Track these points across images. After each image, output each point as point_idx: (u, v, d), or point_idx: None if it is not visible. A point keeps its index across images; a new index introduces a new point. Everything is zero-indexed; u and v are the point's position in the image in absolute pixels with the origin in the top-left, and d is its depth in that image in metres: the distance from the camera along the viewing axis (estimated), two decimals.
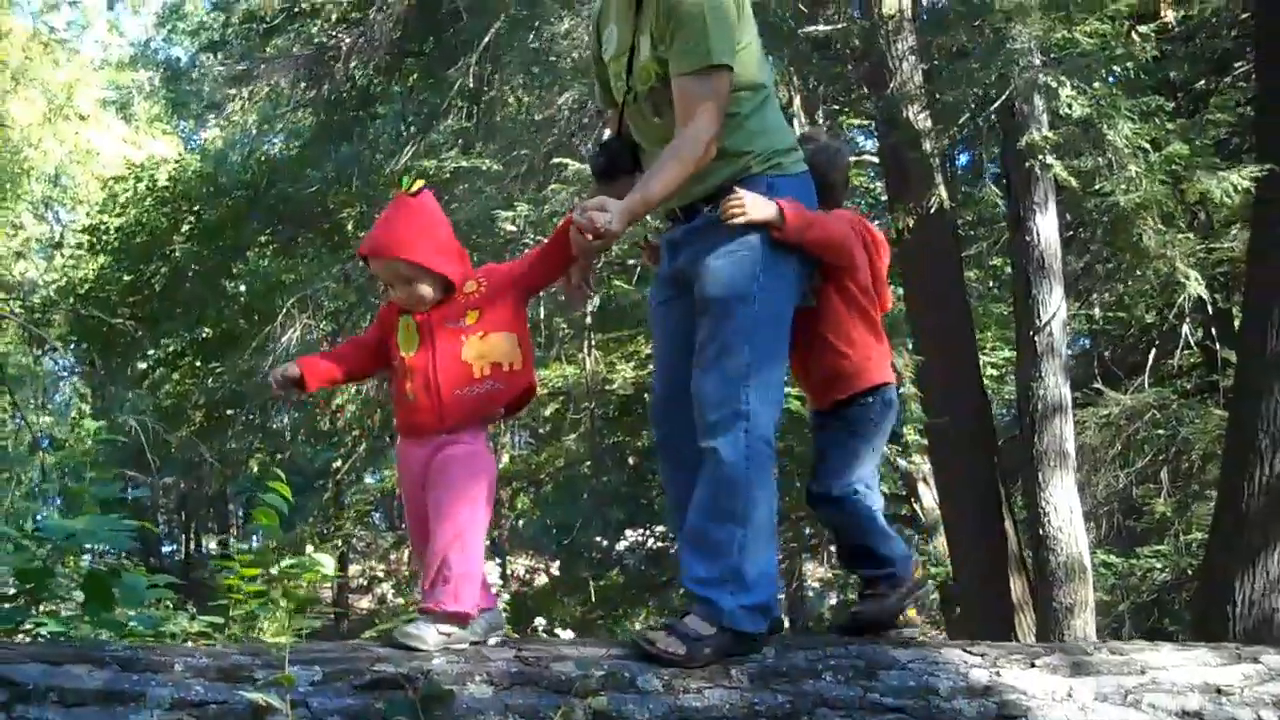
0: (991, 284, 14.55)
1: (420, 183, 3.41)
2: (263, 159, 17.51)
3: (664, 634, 3.28)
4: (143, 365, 18.60)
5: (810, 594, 20.10)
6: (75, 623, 4.32)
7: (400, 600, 18.47)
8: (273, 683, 2.78)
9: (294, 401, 16.02)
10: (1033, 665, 3.63)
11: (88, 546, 6.23)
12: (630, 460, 14.26)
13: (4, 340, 13.07)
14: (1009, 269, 11.17)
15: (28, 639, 4.09)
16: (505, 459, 18.01)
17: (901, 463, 12.04)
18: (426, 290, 3.31)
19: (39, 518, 5.12)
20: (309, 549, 5.18)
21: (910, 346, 10.07)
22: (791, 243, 3.45)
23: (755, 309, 3.42)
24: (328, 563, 5.53)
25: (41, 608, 4.43)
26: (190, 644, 4.11)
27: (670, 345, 3.74)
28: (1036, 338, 9.29)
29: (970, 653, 3.65)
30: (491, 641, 3.32)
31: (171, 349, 17.62)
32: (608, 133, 3.88)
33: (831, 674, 3.39)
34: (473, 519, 3.25)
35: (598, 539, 14.47)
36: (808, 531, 14.93)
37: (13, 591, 4.51)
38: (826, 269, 3.68)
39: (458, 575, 3.17)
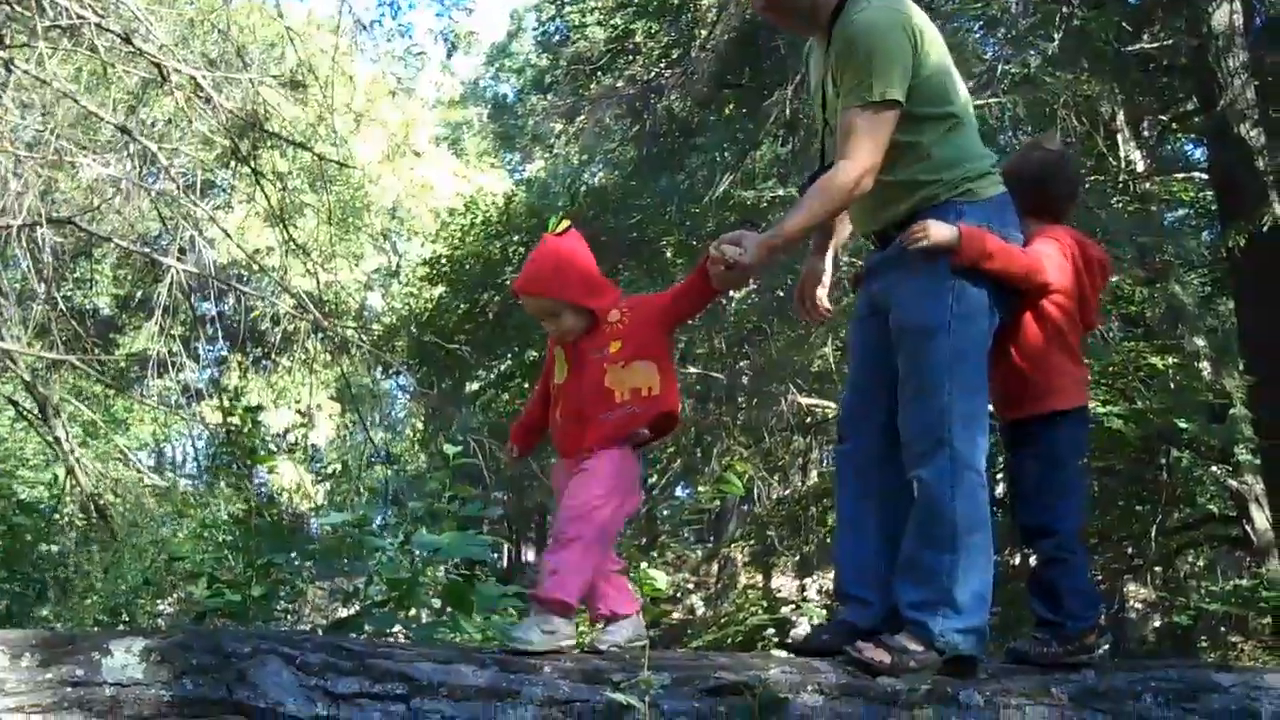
0: None
1: (566, 223, 3.58)
2: (584, 190, 18.23)
3: (872, 645, 3.35)
4: (474, 386, 19.64)
5: (1133, 615, 19.46)
6: (437, 628, 4.77)
7: (709, 612, 18.78)
8: (635, 684, 3.02)
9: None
10: None
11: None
12: None
13: (349, 364, 14.14)
14: None
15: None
16: (815, 476, 18.20)
17: (1232, 483, 11.64)
18: (571, 322, 3.49)
19: (376, 523, 5.52)
20: (642, 564, 5.49)
21: (1241, 366, 9.80)
22: (972, 266, 3.44)
23: (951, 340, 3.45)
24: (660, 578, 5.85)
25: (408, 613, 4.91)
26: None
27: (863, 362, 3.79)
28: None
29: None
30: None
31: (501, 371, 18.52)
32: None
33: (1152, 696, 3.44)
34: (592, 525, 3.37)
35: None
36: (1129, 551, 14.56)
37: (381, 598, 4.98)
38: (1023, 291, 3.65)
39: (566, 569, 3.33)
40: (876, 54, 3.41)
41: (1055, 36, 9.24)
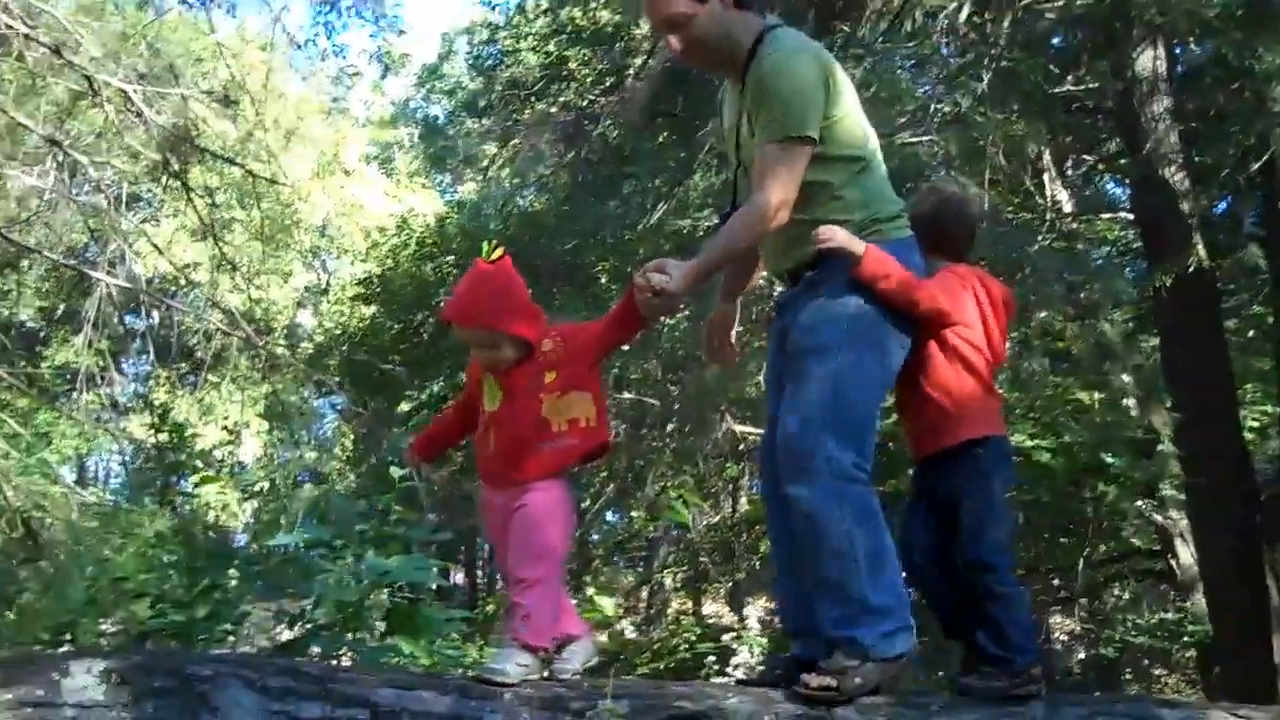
0: (1251, 334, 14.12)
1: (500, 250, 3.53)
2: (516, 214, 18.25)
3: (814, 675, 3.34)
4: (406, 406, 19.54)
5: (1058, 647, 19.75)
6: (383, 652, 4.78)
7: (640, 637, 18.79)
8: (598, 714, 3.10)
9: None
10: None
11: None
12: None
13: (280, 381, 14.06)
14: (1270, 320, 11.01)
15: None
16: (745, 503, 18.33)
17: (1157, 518, 11.89)
18: (507, 352, 3.47)
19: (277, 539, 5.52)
20: (589, 591, 5.54)
21: (1168, 404, 10.03)
22: (870, 287, 3.48)
23: (838, 361, 3.47)
24: (608, 604, 5.86)
25: (354, 636, 4.91)
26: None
27: (777, 401, 3.76)
28: None
29: (1236, 715, 3.62)
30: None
31: (434, 392, 18.42)
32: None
33: None
34: (552, 563, 3.43)
35: None
36: (1055, 583, 14.79)
37: (327, 621, 4.97)
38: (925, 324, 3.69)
39: (539, 612, 3.36)
40: (791, 92, 3.47)
41: (984, 77, 9.42)
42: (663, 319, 14.49)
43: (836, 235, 3.48)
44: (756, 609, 17.86)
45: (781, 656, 3.84)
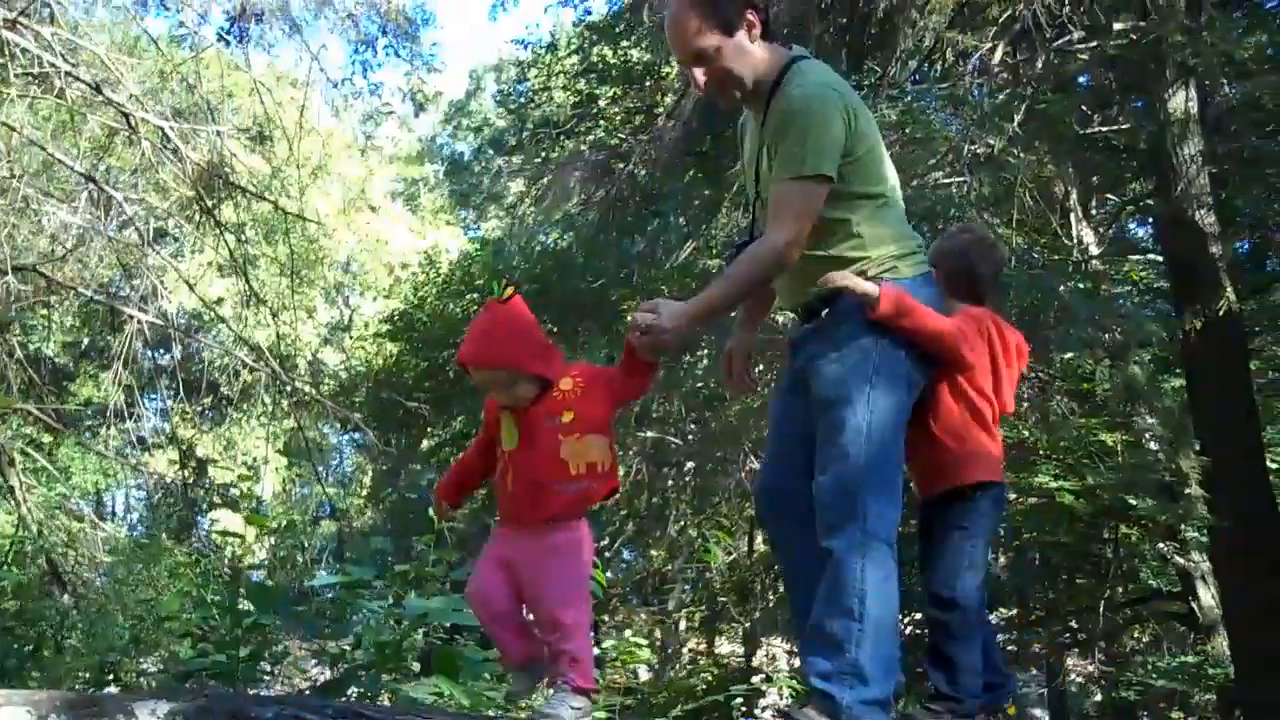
0: (1270, 375, 14.09)
1: (510, 289, 3.47)
2: (540, 251, 18.31)
3: None
4: (429, 443, 19.56)
5: (1074, 689, 19.61)
6: (423, 691, 4.78)
7: (655, 678, 18.74)
8: None
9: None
10: None
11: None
12: None
13: (305, 418, 14.09)
14: None
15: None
16: (761, 543, 18.29)
17: (1179, 560, 11.84)
18: (525, 390, 3.39)
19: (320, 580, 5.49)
20: (627, 633, 5.54)
21: (1197, 448, 10.01)
22: (888, 326, 3.45)
23: (869, 411, 3.44)
24: (644, 650, 5.85)
25: (392, 676, 4.91)
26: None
27: (781, 440, 3.78)
28: None
29: None
30: None
31: (457, 429, 18.45)
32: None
33: None
34: (587, 603, 3.41)
35: None
36: (1074, 625, 14.72)
37: (368, 661, 4.98)
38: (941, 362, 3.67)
39: (583, 655, 3.32)
40: (812, 128, 3.43)
41: (1015, 118, 9.46)
42: (686, 357, 14.60)
43: (848, 277, 3.47)
44: (771, 647, 17.82)
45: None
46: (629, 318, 3.45)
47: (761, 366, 11.61)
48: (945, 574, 3.71)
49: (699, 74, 3.59)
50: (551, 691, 3.37)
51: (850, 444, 3.43)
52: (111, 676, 5.05)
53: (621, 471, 3.24)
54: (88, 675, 5.21)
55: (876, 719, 3.37)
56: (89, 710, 2.75)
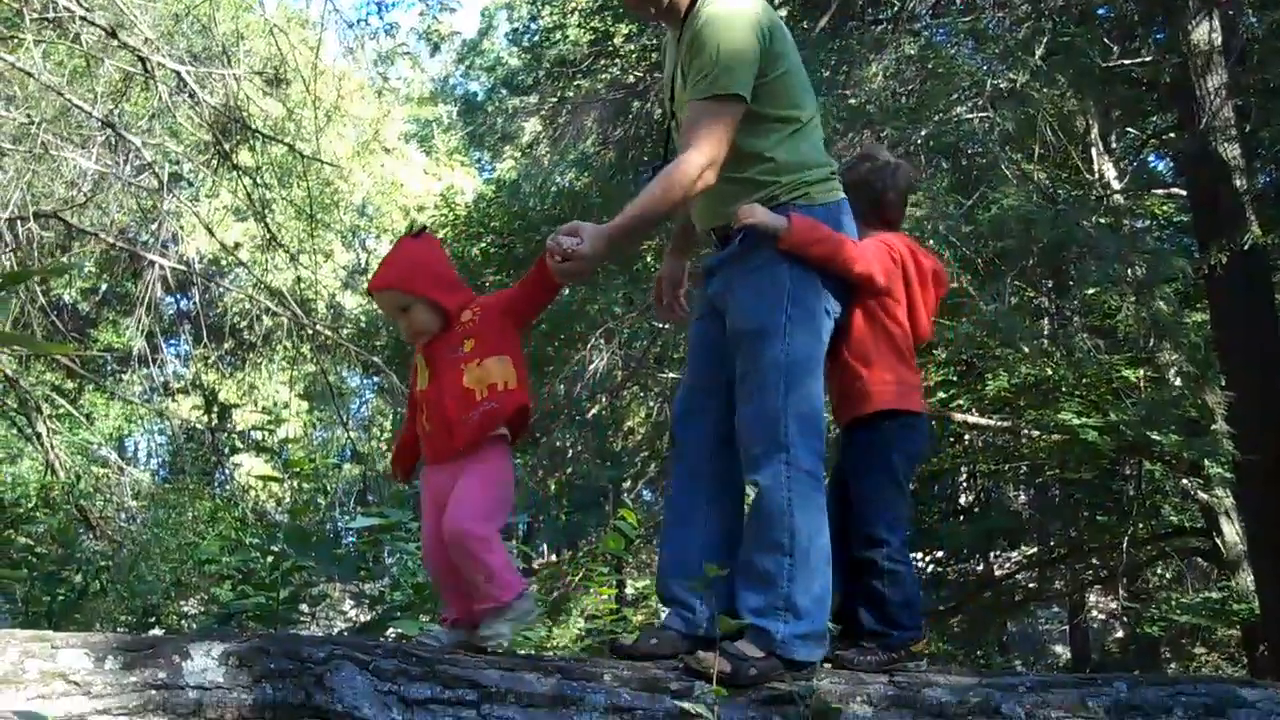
0: None
1: (422, 226, 3.63)
2: (556, 190, 18.23)
3: (712, 655, 3.28)
4: None
5: (1096, 626, 19.74)
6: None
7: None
8: (700, 694, 3.14)
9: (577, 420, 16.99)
10: None
11: None
12: (911, 484, 14.37)
13: (328, 362, 14.10)
14: None
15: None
16: None
17: (1202, 496, 11.85)
18: (423, 319, 3.48)
19: (358, 522, 5.55)
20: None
21: (1221, 383, 9.99)
22: (800, 255, 3.45)
23: (786, 343, 3.43)
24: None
25: (431, 618, 4.95)
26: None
27: (700, 360, 3.76)
28: None
29: None
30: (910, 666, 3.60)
31: None
32: None
33: (1183, 710, 3.50)
34: (493, 518, 3.37)
35: None
36: (1096, 562, 14.77)
37: (404, 602, 5.03)
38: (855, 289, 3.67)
39: (498, 566, 3.32)
40: (725, 48, 3.39)
41: (1036, 51, 9.38)
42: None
43: (755, 214, 3.45)
44: None
45: (656, 629, 3.71)
46: (549, 240, 3.37)
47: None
48: (865, 508, 3.71)
49: None
50: (484, 617, 3.35)
51: (769, 376, 3.43)
52: (153, 619, 5.11)
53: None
54: (130, 619, 5.27)
55: (810, 651, 3.40)
56: (146, 652, 2.79)
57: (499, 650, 3.35)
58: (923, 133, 9.47)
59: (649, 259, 15.17)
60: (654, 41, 14.58)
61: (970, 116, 9.52)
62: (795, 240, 3.44)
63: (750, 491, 3.48)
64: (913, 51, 10.16)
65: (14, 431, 10.99)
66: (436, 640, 3.28)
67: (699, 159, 3.36)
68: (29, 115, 11.03)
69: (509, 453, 3.51)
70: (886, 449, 3.72)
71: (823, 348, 3.56)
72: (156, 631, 5.22)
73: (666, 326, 11.46)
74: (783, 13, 12.59)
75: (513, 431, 3.52)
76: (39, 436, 10.48)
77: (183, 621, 5.41)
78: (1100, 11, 11.02)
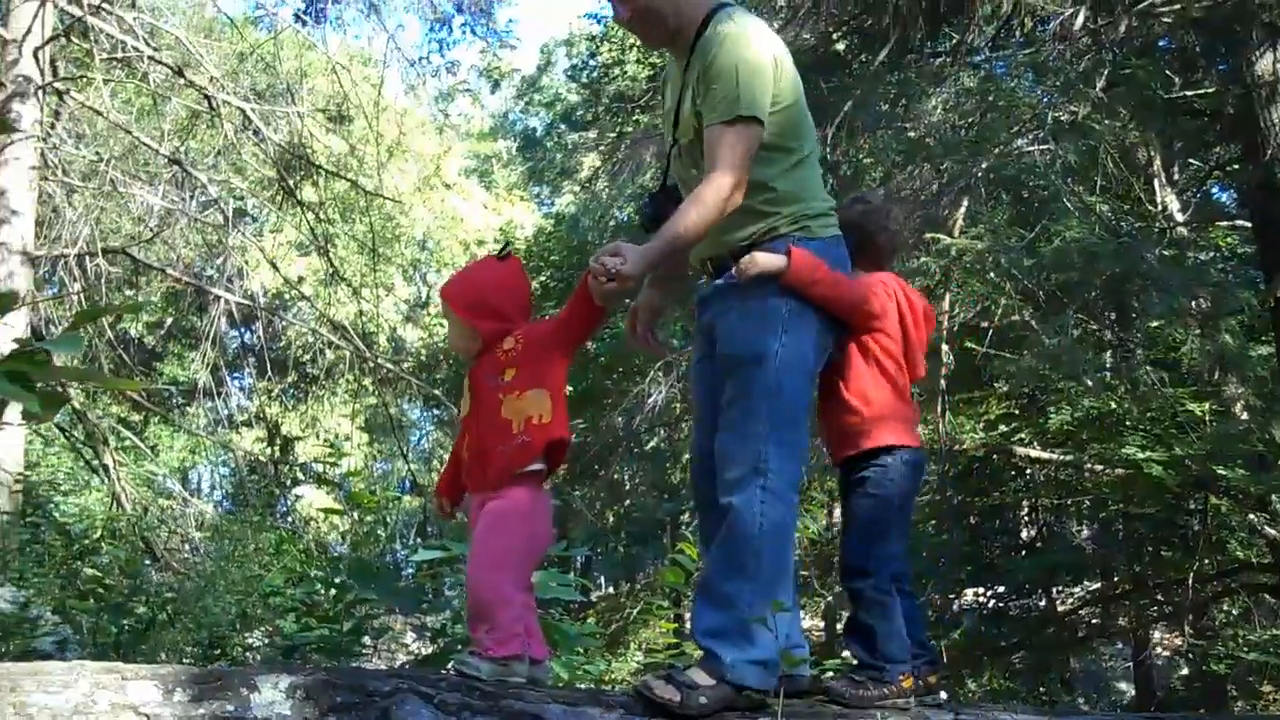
0: None
1: (508, 251, 3.61)
2: (614, 224, 18.31)
3: (663, 682, 3.23)
4: None
5: (1160, 663, 19.41)
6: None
7: None
8: None
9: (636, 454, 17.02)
10: None
11: None
12: (972, 519, 14.24)
13: (389, 395, 14.24)
14: None
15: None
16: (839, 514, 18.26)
17: (1270, 530, 11.66)
18: (456, 333, 3.52)
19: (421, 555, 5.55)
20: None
21: None
22: (798, 292, 3.44)
23: (776, 369, 3.41)
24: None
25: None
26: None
27: (704, 404, 3.72)
28: None
29: None
30: (929, 700, 3.59)
31: None
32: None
33: None
34: (514, 570, 3.33)
35: (935, 597, 14.42)
36: (1160, 598, 14.54)
37: (466, 635, 5.04)
38: (851, 326, 3.68)
39: (500, 623, 3.26)
40: (744, 71, 3.39)
41: (1097, 84, 9.33)
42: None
43: (755, 264, 3.45)
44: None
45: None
46: (591, 261, 3.31)
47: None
48: (857, 541, 3.72)
49: (621, 8, 3.57)
50: (470, 651, 3.32)
51: (755, 400, 3.42)
52: (219, 651, 5.16)
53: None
54: (196, 650, 5.32)
55: (762, 679, 3.34)
56: (214, 684, 2.82)
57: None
58: (983, 165, 9.45)
59: None
60: None
61: (1031, 149, 9.47)
62: (795, 277, 3.44)
63: (726, 513, 3.41)
64: (972, 84, 10.13)
65: (81, 464, 11.15)
66: (476, 670, 3.25)
67: (728, 180, 3.36)
68: (98, 153, 11.26)
69: (538, 490, 3.45)
70: (885, 484, 3.73)
71: (812, 379, 3.58)
72: (222, 663, 5.25)
73: None
74: (840, 46, 12.61)
75: (548, 466, 3.47)
76: (106, 469, 10.64)
77: (247, 653, 5.46)
78: (1162, 43, 10.95)
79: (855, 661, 3.68)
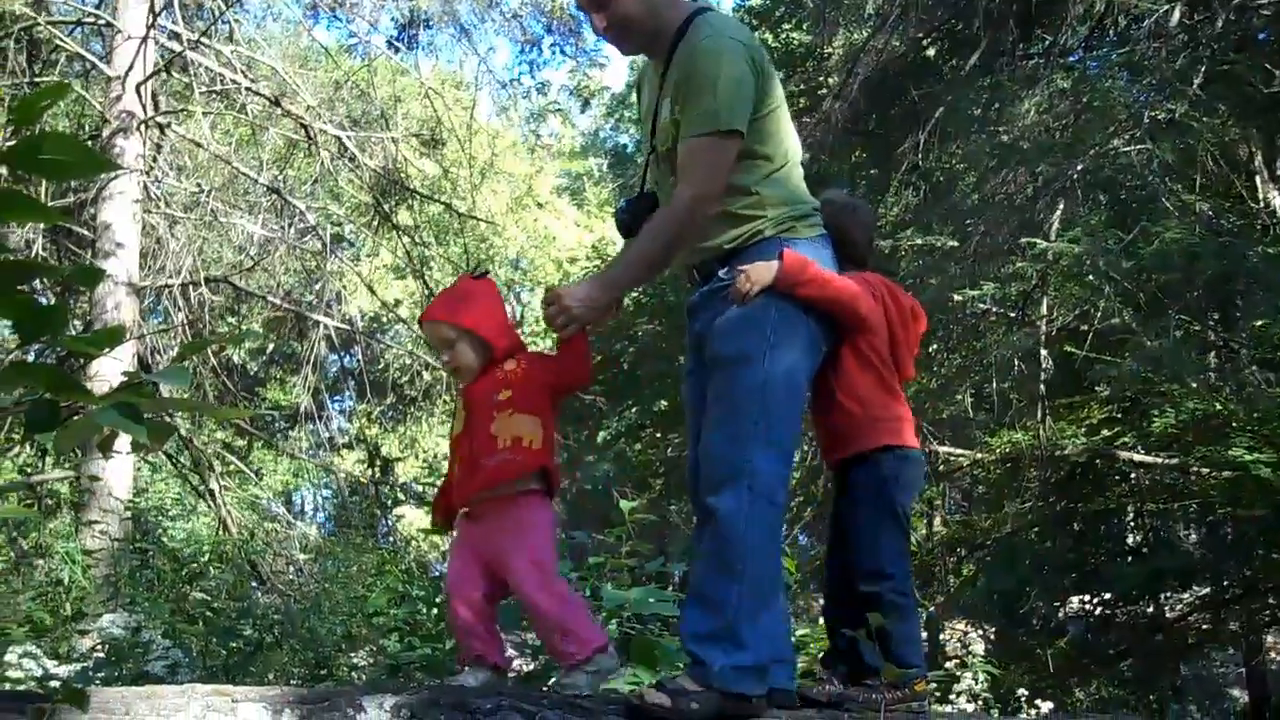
0: None
1: (484, 270, 3.64)
2: None
3: (653, 690, 3.22)
4: (605, 435, 19.72)
5: (1274, 667, 18.95)
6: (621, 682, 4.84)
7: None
8: None
9: None
10: None
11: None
12: (1075, 526, 14.02)
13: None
14: None
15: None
16: (939, 524, 18.07)
17: None
18: (466, 353, 3.45)
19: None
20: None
21: None
22: (788, 292, 3.39)
23: (765, 368, 3.36)
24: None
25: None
26: None
27: (696, 419, 3.64)
28: None
29: None
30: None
31: (632, 419, 18.59)
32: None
33: None
34: (550, 573, 3.36)
35: (1039, 605, 14.21)
36: (1273, 601, 14.22)
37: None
38: (842, 326, 3.63)
39: (574, 625, 3.31)
40: (722, 82, 3.35)
41: (1194, 81, 9.18)
42: None
43: (753, 280, 3.40)
44: (953, 630, 17.56)
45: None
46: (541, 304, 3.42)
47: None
48: (865, 544, 3.68)
49: (597, 19, 3.53)
50: (563, 670, 3.36)
51: (744, 402, 3.37)
52: (325, 671, 5.24)
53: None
54: (303, 671, 5.41)
55: (751, 685, 3.28)
56: (321, 705, 2.86)
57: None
58: (1079, 167, 9.33)
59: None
60: (800, 88, 14.63)
61: (1128, 149, 9.33)
62: (786, 279, 3.40)
63: (710, 515, 3.37)
64: (1066, 85, 10.01)
65: (188, 489, 11.40)
66: (576, 687, 3.26)
67: (697, 191, 3.36)
68: (199, 184, 11.52)
69: (546, 502, 3.49)
70: (885, 484, 3.71)
71: (803, 380, 3.50)
72: (328, 684, 5.33)
73: None
74: (930, 52, 12.54)
75: (547, 493, 3.51)
76: (212, 494, 10.85)
77: (353, 673, 5.53)
78: (1261, 36, 10.74)
79: (868, 666, 3.57)
